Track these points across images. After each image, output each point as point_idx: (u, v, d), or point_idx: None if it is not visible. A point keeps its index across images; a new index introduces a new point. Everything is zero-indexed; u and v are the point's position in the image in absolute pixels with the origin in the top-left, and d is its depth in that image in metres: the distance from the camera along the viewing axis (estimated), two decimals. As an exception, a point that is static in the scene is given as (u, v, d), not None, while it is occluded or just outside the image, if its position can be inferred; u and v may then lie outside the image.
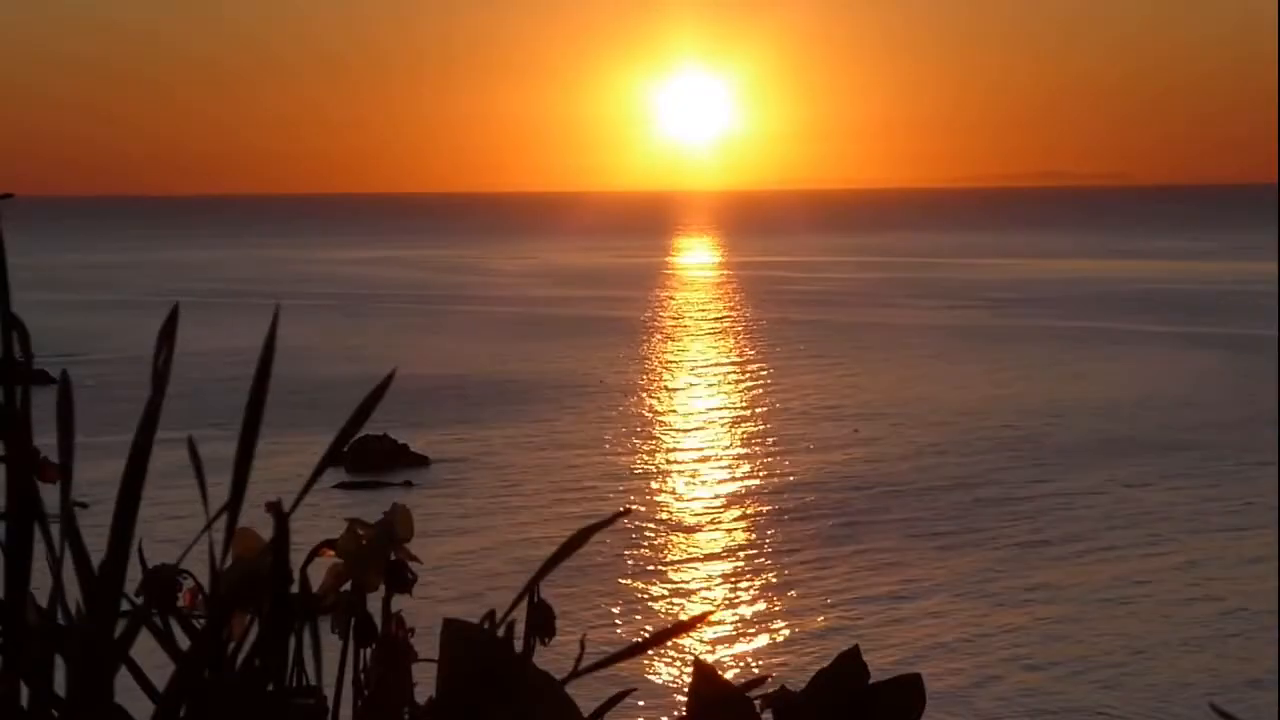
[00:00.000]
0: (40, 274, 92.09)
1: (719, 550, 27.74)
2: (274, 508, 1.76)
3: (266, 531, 1.86)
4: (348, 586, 2.14)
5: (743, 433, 39.79)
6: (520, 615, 2.07)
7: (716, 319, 72.64)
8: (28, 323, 1.80)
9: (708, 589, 25.25)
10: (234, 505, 1.80)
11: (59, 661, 1.77)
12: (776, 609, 24.13)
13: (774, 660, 21.56)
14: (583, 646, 2.00)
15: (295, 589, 1.91)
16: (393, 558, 2.15)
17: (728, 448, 37.60)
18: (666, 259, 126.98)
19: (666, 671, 19.83)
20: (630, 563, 26.13)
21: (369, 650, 2.12)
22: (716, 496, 32.03)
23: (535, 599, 2.17)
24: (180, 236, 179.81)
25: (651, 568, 26.20)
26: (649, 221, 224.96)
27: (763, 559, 27.11)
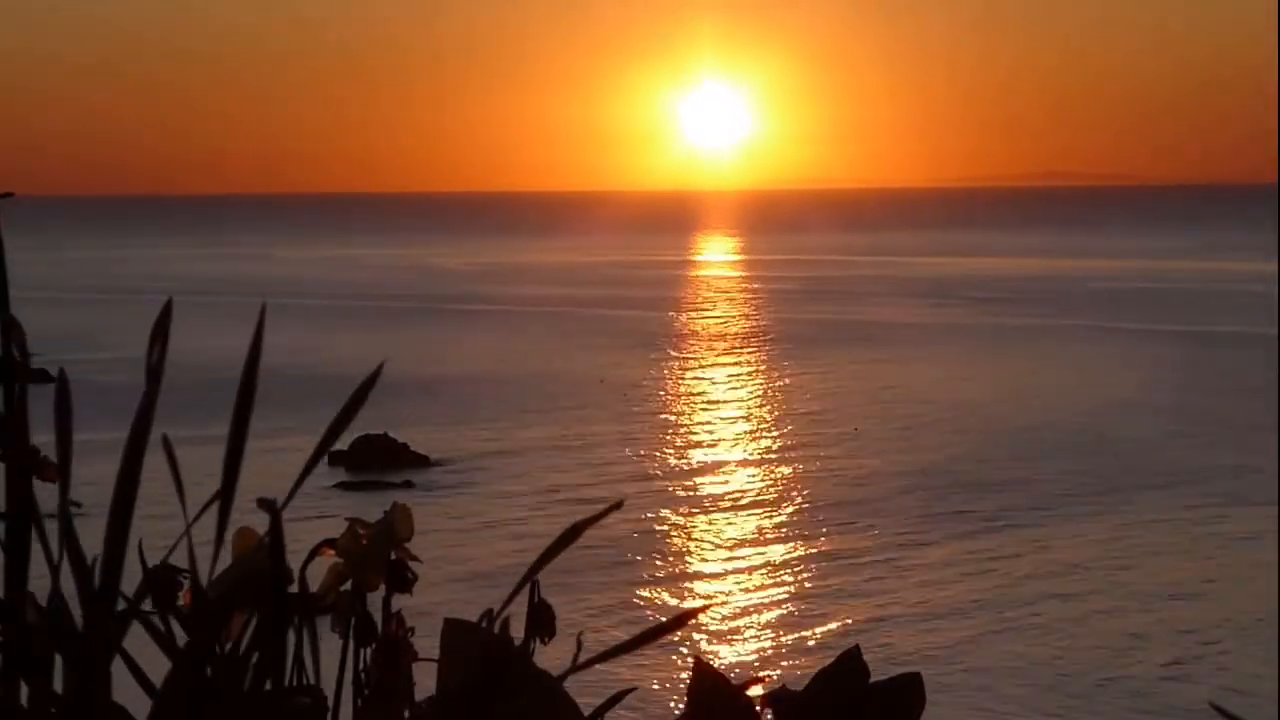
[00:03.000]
0: (39, 271, 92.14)
1: (718, 547, 27.74)
2: (267, 505, 1.76)
3: (262, 527, 1.86)
4: (348, 586, 2.13)
5: (741, 430, 39.80)
6: (516, 610, 2.06)
7: (720, 318, 72.66)
8: (25, 321, 1.79)
9: (706, 586, 25.26)
10: (225, 503, 1.79)
11: (58, 661, 1.77)
12: (776, 607, 24.13)
13: (774, 658, 21.56)
14: (580, 643, 1.99)
15: (294, 588, 1.90)
16: (393, 557, 2.14)
17: (726, 445, 37.61)
18: (674, 258, 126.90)
19: (667, 671, 19.83)
20: (628, 560, 26.13)
21: (369, 650, 2.12)
22: (715, 494, 32.04)
23: (535, 599, 2.17)
24: (195, 235, 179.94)
25: (650, 564, 26.20)
26: (667, 221, 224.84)
27: (762, 556, 27.11)
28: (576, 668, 1.90)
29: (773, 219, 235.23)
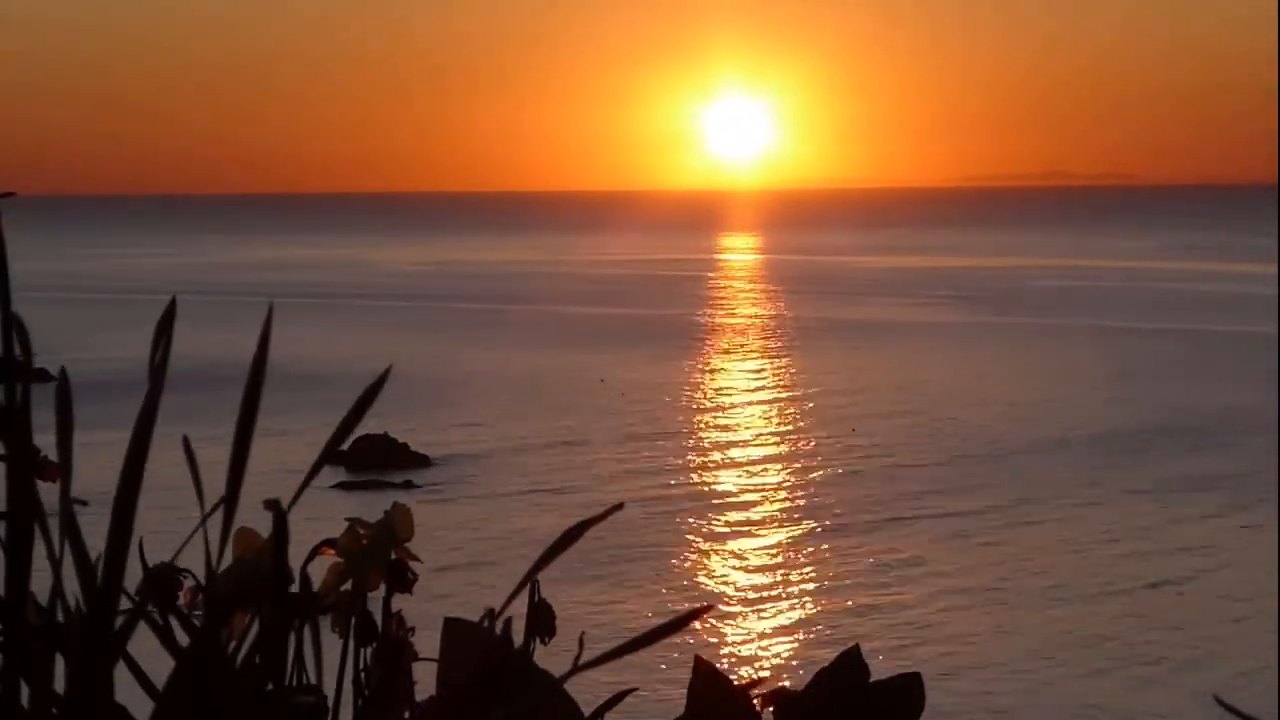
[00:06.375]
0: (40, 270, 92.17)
1: (717, 547, 27.75)
2: (273, 505, 1.76)
3: (265, 529, 1.86)
4: (348, 586, 2.13)
5: (741, 429, 39.81)
6: (517, 611, 2.07)
7: (721, 317, 72.65)
8: (26, 320, 1.79)
9: (706, 585, 25.26)
10: (230, 503, 1.79)
11: (59, 661, 1.77)
12: (775, 605, 24.14)
13: (773, 658, 21.57)
14: (581, 643, 1.99)
15: (296, 588, 1.90)
16: (393, 557, 2.14)
17: (726, 445, 37.61)
18: (682, 256, 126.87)
19: (667, 670, 19.83)
20: (629, 559, 26.14)
21: (369, 650, 2.12)
22: (715, 493, 32.04)
23: (535, 599, 2.17)
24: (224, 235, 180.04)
25: (650, 564, 26.20)
26: (683, 220, 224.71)
27: (761, 556, 27.12)
28: (577, 669, 1.90)
29: (780, 219, 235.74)
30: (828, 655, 2.57)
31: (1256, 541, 27.44)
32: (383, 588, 2.13)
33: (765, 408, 43.81)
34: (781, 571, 26.18)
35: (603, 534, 24.67)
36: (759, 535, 28.67)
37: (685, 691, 2.44)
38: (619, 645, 1.78)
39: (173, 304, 1.83)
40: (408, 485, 32.25)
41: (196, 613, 1.93)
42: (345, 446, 33.85)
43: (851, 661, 2.47)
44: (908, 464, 34.55)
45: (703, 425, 40.65)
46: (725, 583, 25.65)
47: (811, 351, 56.54)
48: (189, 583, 1.95)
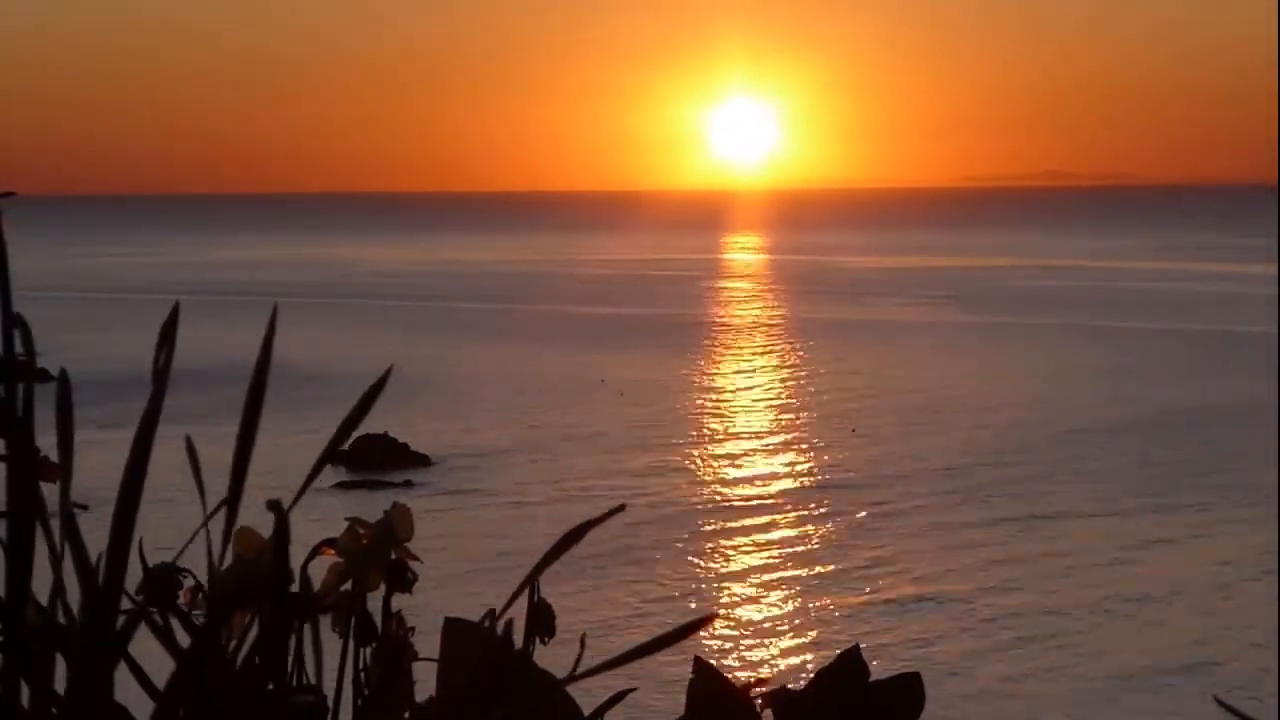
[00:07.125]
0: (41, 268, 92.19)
1: (718, 548, 27.75)
2: (274, 506, 1.76)
3: (266, 529, 1.86)
4: (348, 586, 2.13)
5: (741, 430, 39.81)
6: (517, 612, 2.07)
7: (718, 317, 72.66)
8: (26, 320, 1.79)
9: (707, 586, 25.27)
10: (232, 503, 1.80)
11: (59, 661, 1.77)
12: (776, 607, 24.14)
13: (773, 658, 21.57)
14: (582, 646, 1.99)
15: (296, 588, 1.90)
16: (393, 557, 2.14)
17: (726, 446, 37.61)
18: (681, 256, 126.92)
19: (667, 670, 19.84)
20: (630, 560, 26.14)
21: (369, 650, 2.12)
22: (715, 494, 32.04)
23: (535, 598, 2.17)
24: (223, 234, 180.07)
25: (650, 565, 26.20)
26: (686, 220, 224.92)
27: (762, 557, 27.12)
28: (576, 676, 1.90)
29: (785, 219, 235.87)
30: (827, 655, 2.57)
31: (1256, 540, 27.45)
32: (382, 587, 2.13)
33: (765, 407, 43.82)
34: (781, 571, 26.18)
35: (604, 535, 24.69)
36: (759, 535, 28.67)
37: (682, 691, 2.44)
38: (621, 653, 1.78)
39: (176, 309, 1.84)
40: (408, 485, 32.25)
41: (198, 612, 1.93)
42: (345, 446, 33.86)
43: (851, 661, 2.48)
44: (908, 464, 34.56)
45: (703, 425, 40.65)
46: (725, 583, 25.65)
47: (813, 351, 56.57)
48: (189, 583, 1.95)
